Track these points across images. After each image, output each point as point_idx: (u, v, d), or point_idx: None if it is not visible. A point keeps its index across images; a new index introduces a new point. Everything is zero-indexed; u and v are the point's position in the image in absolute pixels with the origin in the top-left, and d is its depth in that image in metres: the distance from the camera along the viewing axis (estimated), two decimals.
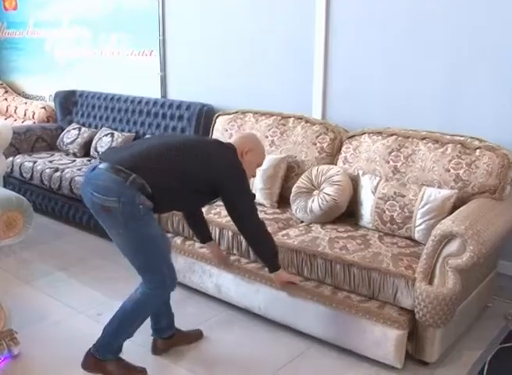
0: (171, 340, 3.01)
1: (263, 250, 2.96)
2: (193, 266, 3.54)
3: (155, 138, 3.10)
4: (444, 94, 3.62)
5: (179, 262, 3.54)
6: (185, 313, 3.28)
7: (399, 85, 3.79)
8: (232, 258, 3.38)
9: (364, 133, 3.61)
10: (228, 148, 2.87)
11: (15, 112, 6.44)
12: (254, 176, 3.10)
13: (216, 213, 3.57)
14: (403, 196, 3.17)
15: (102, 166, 2.58)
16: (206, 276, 3.49)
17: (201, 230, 3.25)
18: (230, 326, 3.28)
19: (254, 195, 2.94)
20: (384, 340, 2.79)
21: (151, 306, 2.76)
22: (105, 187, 2.52)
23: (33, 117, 6.18)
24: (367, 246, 3.07)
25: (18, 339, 2.93)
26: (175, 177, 2.63)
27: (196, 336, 3.13)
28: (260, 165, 3.12)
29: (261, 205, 3.75)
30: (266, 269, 3.07)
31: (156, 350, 2.98)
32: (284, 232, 3.33)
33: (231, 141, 3.03)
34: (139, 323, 2.73)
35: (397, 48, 3.75)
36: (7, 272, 3.83)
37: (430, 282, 2.72)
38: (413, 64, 3.71)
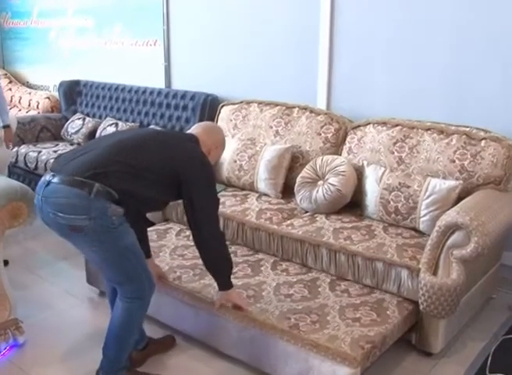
0: (146, 350, 2.83)
1: (218, 264, 2.63)
2: None
3: (108, 138, 2.67)
4: (449, 85, 3.60)
5: None
6: None
7: (404, 76, 3.77)
8: (173, 275, 3.01)
9: (369, 123, 3.60)
10: (195, 143, 2.60)
11: (19, 102, 6.44)
12: None
13: (221, 203, 3.56)
14: (408, 187, 3.16)
15: (57, 179, 2.29)
16: None
17: (142, 245, 2.64)
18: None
19: (218, 202, 2.64)
20: None
21: (138, 318, 2.55)
22: (69, 204, 2.25)
23: (37, 107, 6.18)
24: (371, 236, 3.07)
25: (23, 328, 2.94)
26: (141, 176, 2.36)
27: (170, 343, 2.95)
28: (220, 158, 2.94)
29: (265, 195, 3.76)
30: (209, 289, 2.83)
31: (133, 363, 2.71)
32: (288, 222, 3.33)
33: (194, 132, 2.69)
34: (135, 335, 2.58)
35: (402, 38, 3.73)
36: (12, 261, 3.84)
37: (434, 273, 2.72)
38: (418, 55, 3.68)
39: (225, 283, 2.67)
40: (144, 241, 2.75)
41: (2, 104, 3.84)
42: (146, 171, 2.38)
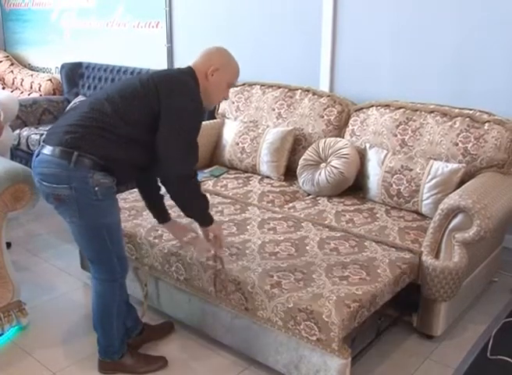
0: (141, 336, 2.80)
1: (194, 206, 2.47)
2: None
3: (90, 98, 2.52)
4: (453, 67, 3.58)
5: None
6: None
7: (407, 57, 3.75)
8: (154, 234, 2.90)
9: (372, 105, 3.58)
10: (187, 75, 2.46)
11: (21, 84, 6.42)
12: (226, 98, 2.65)
13: (223, 186, 3.57)
14: (411, 170, 3.15)
15: (45, 150, 2.28)
16: (137, 283, 3.05)
17: (159, 208, 2.70)
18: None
19: (196, 146, 2.37)
20: (324, 369, 2.35)
21: (112, 300, 2.50)
22: (51, 174, 2.26)
23: (39, 89, 6.16)
24: (373, 219, 3.07)
25: (26, 310, 2.95)
26: (121, 134, 2.27)
27: (167, 329, 2.92)
28: (231, 85, 2.61)
29: (267, 177, 3.75)
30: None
31: (129, 348, 2.67)
32: (291, 205, 3.33)
33: (191, 63, 2.55)
34: (116, 317, 2.52)
35: (406, 19, 3.70)
36: (15, 244, 3.86)
37: (436, 256, 2.72)
38: (422, 36, 3.66)
39: (203, 220, 2.53)
40: (155, 207, 2.70)
41: None
42: (128, 124, 2.28)
